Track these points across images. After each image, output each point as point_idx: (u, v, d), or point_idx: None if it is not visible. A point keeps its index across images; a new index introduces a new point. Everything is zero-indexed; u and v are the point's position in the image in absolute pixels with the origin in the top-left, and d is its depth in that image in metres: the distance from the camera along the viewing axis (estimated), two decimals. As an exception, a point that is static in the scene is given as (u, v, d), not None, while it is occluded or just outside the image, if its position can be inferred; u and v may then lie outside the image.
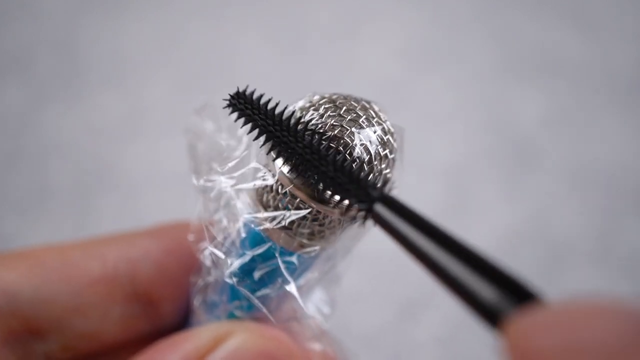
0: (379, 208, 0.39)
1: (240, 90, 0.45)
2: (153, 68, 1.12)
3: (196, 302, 0.50)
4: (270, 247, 0.44)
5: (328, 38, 1.16)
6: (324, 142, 0.41)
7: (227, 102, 0.44)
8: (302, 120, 0.42)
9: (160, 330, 0.53)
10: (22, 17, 1.14)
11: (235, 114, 0.43)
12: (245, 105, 0.43)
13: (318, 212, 0.42)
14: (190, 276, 0.51)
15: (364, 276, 0.98)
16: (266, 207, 0.44)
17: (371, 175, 0.42)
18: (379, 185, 0.40)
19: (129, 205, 1.04)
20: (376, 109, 0.43)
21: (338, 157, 0.40)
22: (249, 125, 0.42)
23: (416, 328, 0.96)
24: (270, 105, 0.43)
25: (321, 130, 0.42)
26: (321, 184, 0.40)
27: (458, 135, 1.09)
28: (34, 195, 1.03)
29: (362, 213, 0.39)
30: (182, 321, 0.53)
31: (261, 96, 0.44)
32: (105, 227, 1.02)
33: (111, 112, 1.09)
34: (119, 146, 1.07)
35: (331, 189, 0.40)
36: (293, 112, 0.43)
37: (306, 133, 0.42)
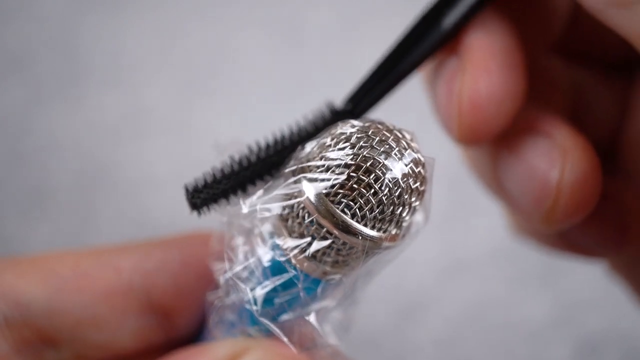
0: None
1: None
2: (153, 68, 1.12)
3: (212, 320, 0.49)
4: (292, 277, 0.44)
5: (328, 38, 1.15)
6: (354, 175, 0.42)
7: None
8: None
9: (174, 341, 0.53)
10: (22, 17, 1.13)
11: None
12: None
13: (344, 243, 0.42)
14: (206, 288, 0.51)
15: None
16: (291, 234, 0.44)
17: (401, 208, 0.42)
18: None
19: (129, 206, 1.03)
20: (408, 138, 0.43)
21: None
22: None
23: (417, 330, 0.96)
24: None
25: (353, 162, 0.41)
26: None
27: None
28: (34, 196, 1.02)
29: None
30: (196, 332, 0.53)
31: None
32: (105, 227, 1.02)
33: (111, 111, 1.08)
34: (119, 146, 1.06)
35: None
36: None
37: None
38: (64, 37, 1.12)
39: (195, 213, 0.45)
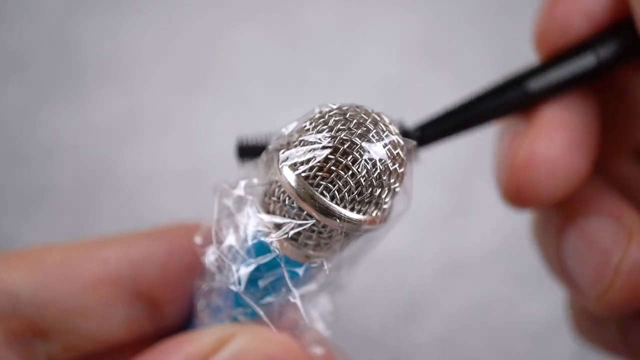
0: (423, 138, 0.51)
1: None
2: (152, 67, 1.12)
3: (200, 305, 0.50)
4: (275, 257, 0.44)
5: (328, 38, 1.16)
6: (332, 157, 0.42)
7: None
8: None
9: (163, 331, 0.53)
10: (21, 17, 1.14)
11: None
12: None
13: (324, 226, 0.43)
14: (193, 277, 0.51)
15: (364, 277, 0.98)
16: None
17: (380, 189, 0.43)
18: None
19: (129, 205, 1.04)
20: (387, 121, 0.44)
21: None
22: None
23: (416, 329, 0.96)
24: None
25: (331, 145, 0.42)
26: None
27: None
28: (34, 195, 1.03)
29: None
30: (185, 322, 0.53)
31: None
32: (106, 227, 1.02)
33: (111, 111, 1.08)
34: (119, 146, 1.07)
35: None
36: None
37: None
38: (63, 37, 1.13)
39: (239, 161, 0.52)
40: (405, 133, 0.51)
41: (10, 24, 1.13)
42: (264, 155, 0.45)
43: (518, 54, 1.14)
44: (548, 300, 0.97)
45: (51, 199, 1.03)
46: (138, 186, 1.04)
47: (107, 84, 1.10)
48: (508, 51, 1.15)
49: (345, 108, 0.43)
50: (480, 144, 1.08)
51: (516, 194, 0.53)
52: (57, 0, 1.15)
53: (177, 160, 1.06)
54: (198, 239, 0.49)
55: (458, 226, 1.03)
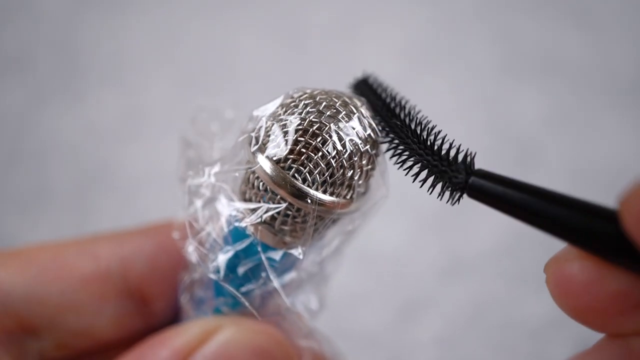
0: (474, 182, 0.42)
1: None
2: (153, 67, 1.12)
3: (183, 298, 0.50)
4: (252, 243, 0.44)
5: (328, 38, 1.16)
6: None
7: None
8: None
9: (153, 327, 0.53)
10: (22, 17, 1.14)
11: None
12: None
13: (298, 210, 0.42)
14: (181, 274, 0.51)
15: (364, 276, 0.98)
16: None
17: (352, 171, 0.43)
18: (465, 162, 0.42)
19: (128, 205, 1.04)
20: (358, 104, 0.43)
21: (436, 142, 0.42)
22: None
23: (416, 328, 0.96)
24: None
25: (300, 127, 0.41)
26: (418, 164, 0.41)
27: (458, 135, 1.08)
28: (34, 195, 1.03)
29: (457, 190, 0.41)
30: (175, 318, 0.53)
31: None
32: (105, 227, 1.01)
33: (111, 111, 1.09)
34: (118, 146, 1.07)
35: (427, 170, 0.41)
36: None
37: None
38: (64, 37, 1.13)
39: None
40: (464, 165, 0.43)
41: (11, 25, 1.13)
42: (237, 139, 0.45)
43: (518, 55, 1.15)
44: (548, 299, 0.96)
45: (51, 199, 1.03)
46: (138, 186, 1.04)
47: (107, 85, 1.10)
48: (508, 52, 1.14)
49: (316, 92, 0.43)
50: (480, 144, 1.08)
51: (557, 295, 0.42)
52: (58, 1, 1.15)
53: (176, 161, 1.06)
54: (176, 234, 0.49)
55: (458, 226, 1.02)
